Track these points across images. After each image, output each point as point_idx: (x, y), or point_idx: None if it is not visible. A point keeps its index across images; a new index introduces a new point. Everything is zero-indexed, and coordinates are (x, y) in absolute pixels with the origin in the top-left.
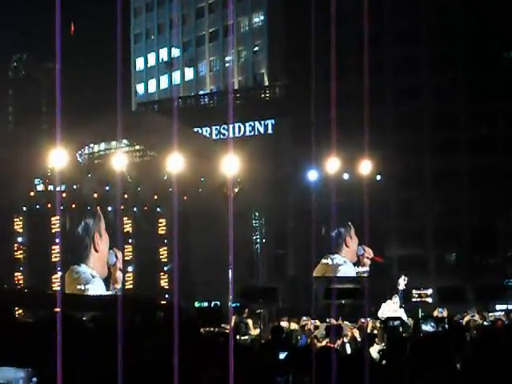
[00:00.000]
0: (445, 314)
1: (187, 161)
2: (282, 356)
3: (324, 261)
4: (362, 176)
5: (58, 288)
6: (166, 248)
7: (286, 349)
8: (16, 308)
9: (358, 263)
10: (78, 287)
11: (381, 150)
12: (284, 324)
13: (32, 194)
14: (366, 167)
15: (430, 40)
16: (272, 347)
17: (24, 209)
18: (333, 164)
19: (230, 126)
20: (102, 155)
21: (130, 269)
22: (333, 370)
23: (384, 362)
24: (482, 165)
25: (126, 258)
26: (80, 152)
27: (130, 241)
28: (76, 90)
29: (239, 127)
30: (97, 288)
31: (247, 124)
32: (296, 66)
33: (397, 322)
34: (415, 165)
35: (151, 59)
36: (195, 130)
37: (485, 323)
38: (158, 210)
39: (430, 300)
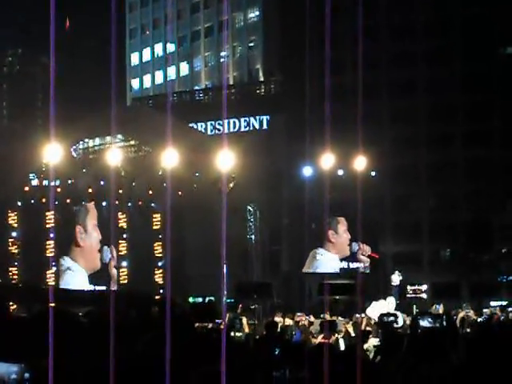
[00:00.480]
0: (441, 310)
1: (182, 156)
2: (277, 351)
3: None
4: (357, 172)
5: (53, 283)
6: (160, 243)
7: (280, 344)
8: (10, 303)
9: (351, 258)
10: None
11: (376, 144)
12: (278, 319)
13: (27, 188)
14: (360, 163)
15: (426, 34)
16: (267, 343)
17: (19, 203)
18: (327, 160)
19: (225, 121)
20: (97, 150)
21: (124, 264)
22: (327, 365)
23: (379, 358)
24: (477, 159)
25: (121, 253)
26: (75, 147)
27: (125, 236)
28: (71, 85)
29: (234, 123)
30: (71, 282)
31: (242, 119)
32: (291, 61)
33: (391, 318)
34: (411, 159)
35: (146, 54)
36: (190, 125)
37: (479, 319)
38: (153, 205)
39: (424, 296)
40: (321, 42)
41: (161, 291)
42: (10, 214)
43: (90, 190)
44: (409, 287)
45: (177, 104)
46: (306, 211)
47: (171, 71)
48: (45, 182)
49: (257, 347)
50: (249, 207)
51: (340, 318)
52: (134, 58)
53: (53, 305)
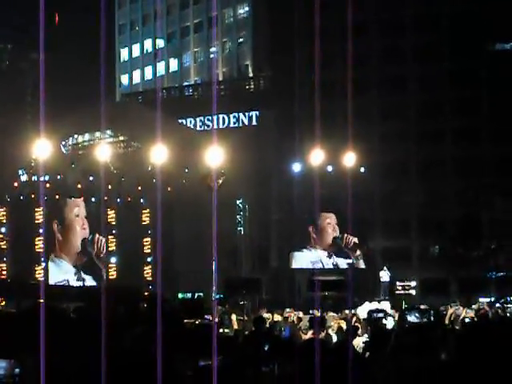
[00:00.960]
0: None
1: (171, 152)
2: (266, 347)
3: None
4: (346, 168)
5: (42, 278)
6: (149, 239)
7: (269, 340)
8: None
9: (343, 254)
10: None
11: (365, 140)
12: (267, 315)
13: (16, 184)
14: (350, 159)
15: (415, 30)
16: (255, 338)
17: (8, 199)
18: (317, 156)
19: (214, 117)
20: (86, 146)
21: (113, 260)
22: (317, 361)
23: (368, 353)
24: (466, 155)
25: (110, 249)
26: (64, 142)
27: (114, 231)
28: (60, 80)
29: (223, 118)
30: (50, 273)
31: (231, 115)
32: (280, 57)
33: (380, 315)
34: (400, 155)
35: (136, 50)
36: (179, 121)
37: (467, 319)
38: (142, 200)
39: (413, 292)
40: (310, 38)
41: (150, 287)
42: None
43: (79, 186)
44: (398, 283)
45: (166, 100)
46: (295, 207)
47: (160, 67)
48: (34, 178)
49: (246, 343)
50: (238, 203)
51: (332, 313)
52: (124, 54)
53: (41, 301)
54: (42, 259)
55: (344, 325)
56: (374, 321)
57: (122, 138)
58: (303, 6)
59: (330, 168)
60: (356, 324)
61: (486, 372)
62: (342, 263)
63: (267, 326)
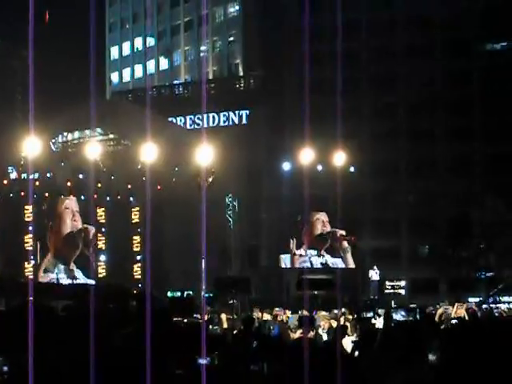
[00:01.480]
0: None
1: (161, 150)
2: (255, 345)
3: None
4: (336, 167)
5: (31, 276)
6: (138, 237)
7: (258, 338)
8: None
9: (335, 254)
10: None
11: (356, 139)
12: (256, 314)
13: (5, 182)
14: (339, 158)
15: (407, 29)
16: (244, 337)
17: None
18: (306, 155)
19: (204, 115)
20: (76, 144)
21: (102, 258)
22: (306, 359)
23: (356, 353)
24: (457, 154)
25: (99, 247)
26: (54, 140)
27: (103, 230)
28: (50, 78)
29: (213, 117)
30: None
31: (221, 114)
32: (271, 56)
33: (369, 314)
34: (390, 154)
35: (126, 48)
36: (169, 119)
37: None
38: (132, 199)
39: (403, 292)
40: (300, 37)
41: (139, 285)
42: None
43: (69, 184)
44: (387, 283)
45: (156, 98)
46: (285, 206)
47: (151, 65)
48: (23, 176)
49: (235, 341)
50: (228, 202)
51: (323, 312)
52: (114, 52)
53: (31, 298)
54: (32, 257)
55: (335, 324)
56: (363, 320)
57: (111, 136)
58: (293, 5)
59: (320, 167)
60: (346, 323)
61: (474, 371)
62: (331, 260)
63: (256, 324)
